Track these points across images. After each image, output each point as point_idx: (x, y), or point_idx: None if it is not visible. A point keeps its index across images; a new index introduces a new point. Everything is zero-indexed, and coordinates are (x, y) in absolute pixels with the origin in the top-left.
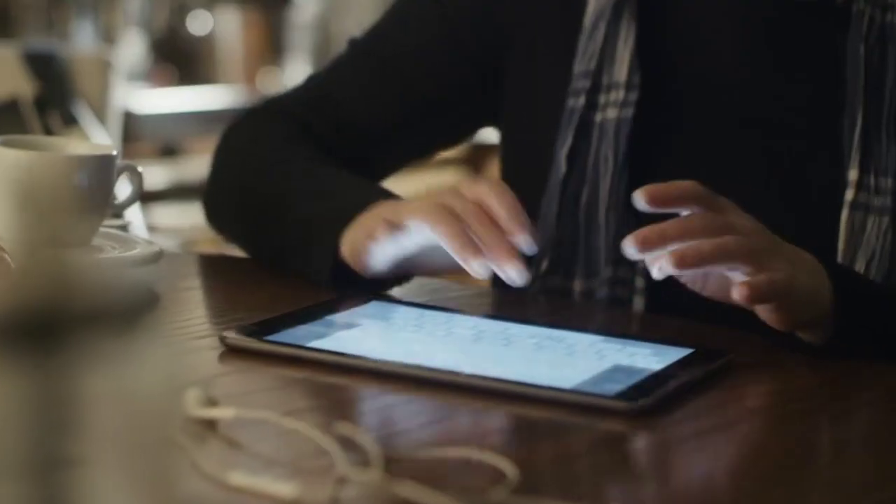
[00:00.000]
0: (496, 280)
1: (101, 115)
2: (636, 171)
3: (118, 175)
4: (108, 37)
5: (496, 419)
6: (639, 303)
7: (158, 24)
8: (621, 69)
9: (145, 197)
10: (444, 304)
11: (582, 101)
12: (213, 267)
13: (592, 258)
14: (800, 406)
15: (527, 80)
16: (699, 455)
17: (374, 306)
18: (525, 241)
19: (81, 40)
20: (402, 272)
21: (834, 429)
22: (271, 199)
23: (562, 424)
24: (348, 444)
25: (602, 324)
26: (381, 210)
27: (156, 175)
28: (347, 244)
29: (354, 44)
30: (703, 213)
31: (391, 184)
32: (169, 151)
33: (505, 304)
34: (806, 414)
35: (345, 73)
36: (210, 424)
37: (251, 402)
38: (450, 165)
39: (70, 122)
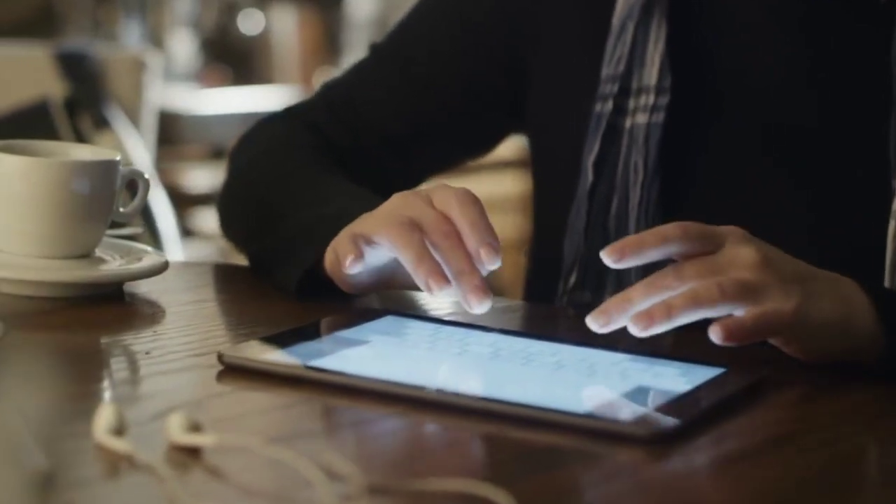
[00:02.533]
0: (527, 293)
1: (134, 117)
2: (668, 179)
3: (123, 182)
4: (156, 37)
5: (503, 446)
6: None
7: (208, 24)
8: (651, 72)
9: (191, 201)
10: (469, 318)
11: (610, 105)
12: (227, 278)
13: (623, 272)
14: (834, 431)
15: (553, 85)
16: (723, 485)
17: (387, 321)
18: (488, 261)
19: (128, 41)
20: (384, 283)
21: (870, 456)
22: (267, 207)
23: (574, 452)
24: (337, 474)
25: (632, 341)
26: (353, 223)
27: (203, 178)
28: (330, 255)
29: (376, 48)
30: (689, 262)
31: None
32: (219, 154)
33: (534, 318)
34: (840, 440)
35: (366, 78)
36: (194, 451)
37: (244, 426)
38: (508, 168)
39: (101, 124)
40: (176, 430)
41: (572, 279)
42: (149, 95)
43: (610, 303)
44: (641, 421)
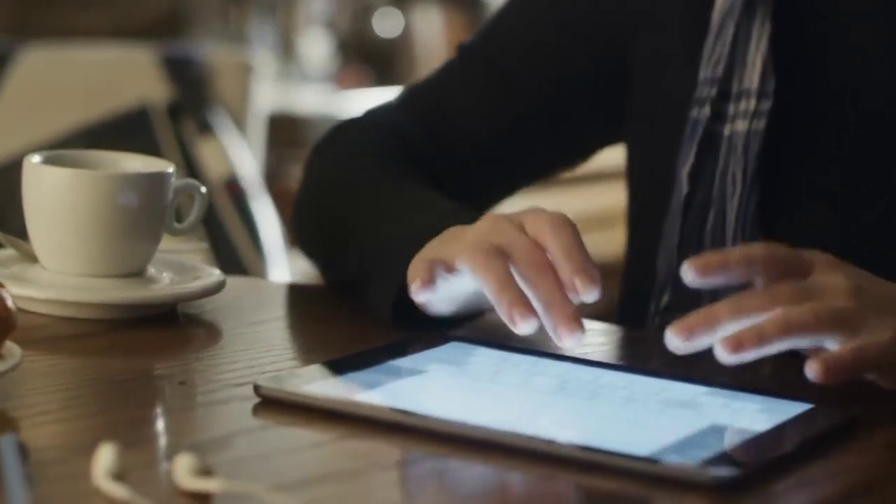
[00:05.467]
0: (620, 313)
1: (241, 122)
2: (766, 191)
3: (177, 195)
4: (288, 39)
5: (552, 492)
6: None
7: (342, 25)
8: (752, 75)
9: None
10: (541, 345)
11: (707, 111)
12: (299, 298)
13: (718, 292)
14: None
15: (649, 90)
16: None
17: (450, 348)
18: (584, 291)
19: (260, 43)
20: (471, 310)
21: None
22: (345, 221)
23: (630, 500)
24: None
25: (720, 370)
26: (434, 245)
27: None
28: (410, 276)
29: (464, 49)
30: (781, 284)
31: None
32: None
33: (629, 342)
34: None
35: (452, 81)
36: (203, 498)
37: (269, 467)
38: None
39: (205, 129)
40: (182, 473)
41: (664, 299)
42: (256, 99)
43: (694, 319)
44: (708, 466)
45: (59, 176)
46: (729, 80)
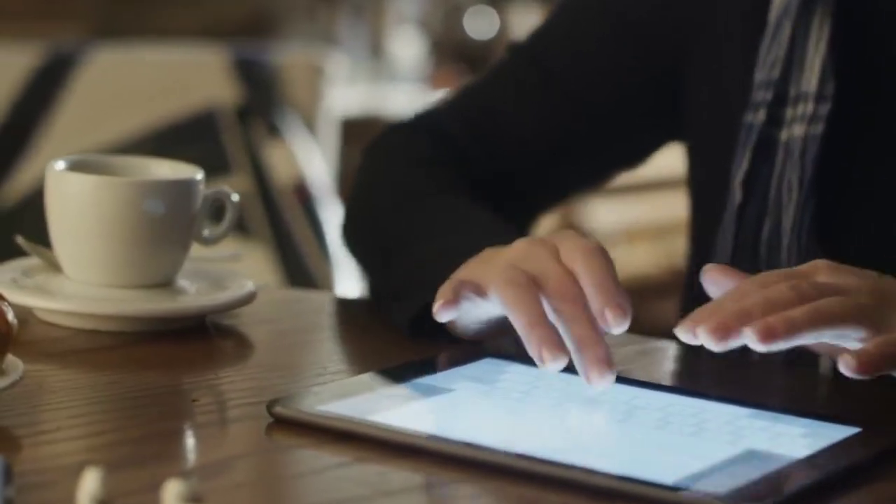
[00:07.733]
0: None
1: (311, 124)
2: (825, 200)
3: (206, 203)
4: (378, 39)
5: None
6: (826, 363)
7: (434, 25)
8: (811, 77)
9: None
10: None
11: (762, 115)
12: (342, 312)
13: None
14: None
15: (705, 96)
16: None
17: (483, 365)
18: (615, 324)
19: (349, 43)
20: (495, 332)
21: None
22: (387, 233)
23: None
24: None
25: (768, 390)
26: (469, 266)
27: None
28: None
29: (516, 51)
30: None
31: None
32: None
33: (677, 358)
34: None
35: (503, 84)
36: None
37: (270, 494)
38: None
39: (274, 132)
40: (170, 500)
41: None
42: (329, 101)
43: (719, 317)
44: (735, 495)
45: (81, 183)
46: (786, 83)
